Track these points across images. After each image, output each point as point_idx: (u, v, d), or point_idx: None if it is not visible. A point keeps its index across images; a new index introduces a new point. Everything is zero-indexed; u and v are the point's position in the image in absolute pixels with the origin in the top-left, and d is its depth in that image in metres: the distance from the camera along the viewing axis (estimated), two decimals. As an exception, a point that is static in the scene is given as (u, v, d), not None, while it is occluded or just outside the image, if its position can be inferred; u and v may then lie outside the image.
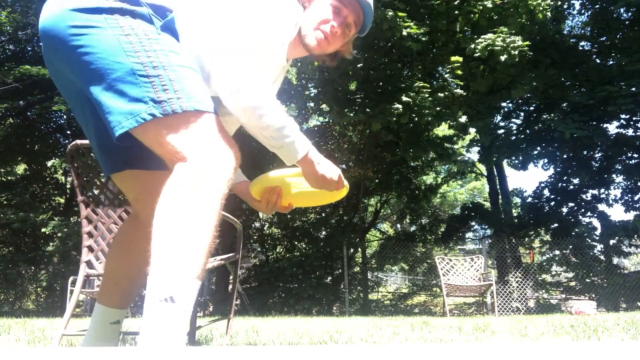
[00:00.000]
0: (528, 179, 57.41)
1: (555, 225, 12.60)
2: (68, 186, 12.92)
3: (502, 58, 8.06)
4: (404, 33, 7.91)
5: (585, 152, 12.01)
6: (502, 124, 13.35)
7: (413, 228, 16.31)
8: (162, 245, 0.96)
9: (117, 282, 1.43)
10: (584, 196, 12.70)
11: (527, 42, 8.27)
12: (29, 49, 11.87)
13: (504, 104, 12.85)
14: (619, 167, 12.19)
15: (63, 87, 1.27)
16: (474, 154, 15.46)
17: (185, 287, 0.93)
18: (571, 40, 12.12)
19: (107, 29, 1.08)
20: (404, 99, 8.45)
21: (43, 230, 9.99)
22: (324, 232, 13.38)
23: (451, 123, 10.63)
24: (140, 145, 1.15)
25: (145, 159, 1.32)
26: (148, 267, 0.97)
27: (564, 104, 11.22)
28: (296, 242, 13.20)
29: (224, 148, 1.06)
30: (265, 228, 13.69)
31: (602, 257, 11.30)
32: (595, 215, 12.35)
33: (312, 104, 12.07)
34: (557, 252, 11.59)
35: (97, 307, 1.43)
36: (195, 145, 1.03)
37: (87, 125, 1.31)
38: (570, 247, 10.97)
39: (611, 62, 11.29)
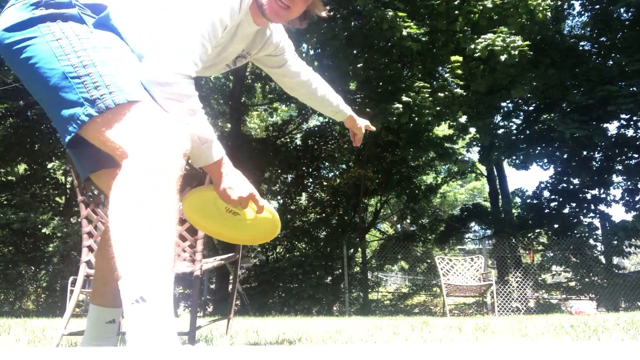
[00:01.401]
0: (528, 179, 57.44)
1: (556, 225, 12.60)
2: (68, 186, 12.91)
3: (502, 58, 8.06)
4: (404, 33, 7.91)
5: (585, 152, 12.00)
6: (502, 123, 13.35)
7: (413, 228, 16.30)
8: (121, 246, 0.94)
9: (107, 281, 1.42)
10: (584, 196, 12.69)
11: (527, 42, 8.27)
12: (29, 49, 11.86)
13: (504, 104, 12.85)
14: (619, 167, 12.18)
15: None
16: (474, 154, 15.46)
17: (154, 283, 0.90)
18: (571, 40, 12.11)
19: (40, 38, 1.09)
20: (404, 99, 8.45)
21: (43, 230, 9.99)
22: (324, 232, 13.39)
23: (451, 123, 10.63)
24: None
25: (100, 160, 1.29)
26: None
27: (564, 104, 11.22)
28: (296, 242, 13.21)
29: (163, 134, 1.01)
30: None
31: (602, 257, 11.29)
32: (596, 215, 12.34)
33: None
34: (558, 252, 11.58)
35: (91, 307, 1.43)
36: (133, 138, 1.01)
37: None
38: (571, 247, 10.97)
39: (611, 62, 11.29)
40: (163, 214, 0.95)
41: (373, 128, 1.89)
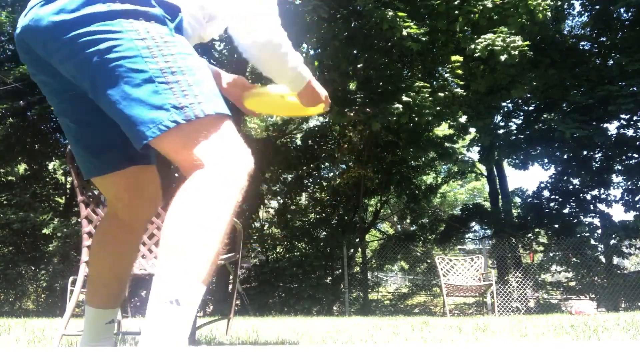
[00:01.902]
0: (528, 178, 57.45)
1: (556, 225, 12.59)
2: (68, 186, 12.91)
3: (502, 58, 8.06)
4: (404, 33, 7.91)
5: (585, 152, 12.01)
6: (502, 123, 13.35)
7: (413, 228, 16.30)
8: (171, 248, 0.95)
9: (107, 284, 1.42)
10: (584, 196, 12.69)
11: (527, 42, 8.27)
12: (29, 49, 11.86)
13: (504, 104, 12.85)
14: (619, 167, 12.18)
15: (52, 91, 1.23)
16: (474, 154, 15.46)
17: (191, 291, 0.92)
18: (571, 40, 12.12)
19: (123, 34, 1.03)
20: (404, 99, 8.45)
21: (43, 230, 9.99)
22: (324, 232, 13.39)
23: (451, 123, 10.63)
24: (117, 144, 1.21)
25: (132, 157, 1.30)
26: (135, 265, 0.99)
27: (564, 104, 11.22)
28: (296, 242, 13.20)
29: (242, 155, 1.04)
30: (265, 228, 13.69)
31: (602, 257, 11.30)
32: (596, 215, 12.34)
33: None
34: (558, 252, 11.58)
35: (89, 310, 1.42)
36: (215, 151, 1.01)
37: (80, 129, 1.27)
38: (571, 247, 10.97)
39: (611, 62, 11.29)
40: (218, 232, 0.97)
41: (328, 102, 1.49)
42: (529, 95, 11.97)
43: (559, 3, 10.38)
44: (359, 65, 9.70)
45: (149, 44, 1.03)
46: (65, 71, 1.10)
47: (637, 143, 11.54)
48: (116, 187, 1.35)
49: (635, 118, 11.53)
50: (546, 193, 13.28)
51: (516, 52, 8.03)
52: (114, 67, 1.02)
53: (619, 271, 10.99)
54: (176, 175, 2.04)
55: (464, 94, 9.51)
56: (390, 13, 7.87)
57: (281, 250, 13.21)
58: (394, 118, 8.57)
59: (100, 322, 1.42)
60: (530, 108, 13.01)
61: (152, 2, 1.08)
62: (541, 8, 8.36)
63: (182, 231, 0.95)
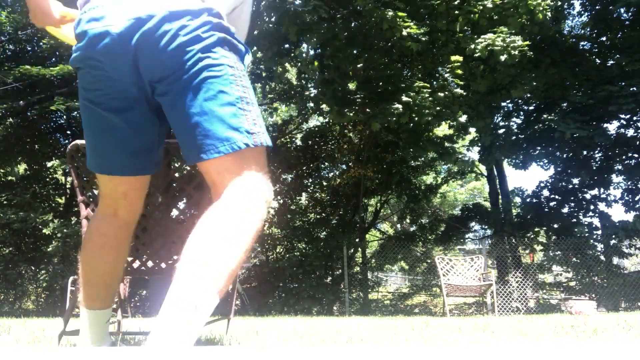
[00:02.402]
0: (528, 178, 57.45)
1: (556, 225, 12.59)
2: (68, 186, 12.91)
3: (502, 58, 8.06)
4: (404, 33, 7.91)
5: (585, 152, 12.00)
6: (502, 123, 13.35)
7: (413, 228, 16.30)
8: (197, 258, 1.01)
9: (109, 284, 1.44)
10: (584, 196, 12.69)
11: (527, 42, 8.27)
12: (29, 49, 11.86)
13: (504, 104, 12.85)
14: (619, 167, 12.18)
15: (106, 87, 1.24)
16: (474, 153, 15.46)
17: (209, 300, 0.97)
18: (571, 40, 12.11)
19: (219, 59, 1.17)
20: (404, 99, 8.45)
21: (43, 230, 9.98)
22: (324, 232, 13.39)
23: (451, 123, 10.63)
24: (153, 150, 1.35)
25: (157, 163, 1.42)
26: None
27: (564, 104, 11.22)
28: (296, 242, 13.20)
29: (270, 187, 1.17)
30: (265, 228, 13.70)
31: (602, 257, 11.30)
32: (596, 215, 12.34)
33: (312, 104, 12.08)
34: (558, 252, 11.58)
35: (91, 313, 1.42)
36: (256, 178, 1.14)
37: (131, 130, 1.30)
38: (571, 247, 10.97)
39: (611, 62, 11.29)
40: (240, 250, 1.05)
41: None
42: (529, 95, 11.97)
43: (559, 3, 10.37)
44: (359, 65, 9.69)
45: (235, 72, 1.19)
46: (150, 71, 1.18)
47: (637, 143, 11.54)
48: (128, 186, 1.40)
49: (635, 118, 11.53)
50: (546, 193, 13.29)
51: (516, 52, 8.03)
52: (205, 82, 1.14)
53: (619, 271, 10.98)
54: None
55: (464, 94, 9.51)
56: (390, 13, 7.87)
57: (281, 250, 13.21)
58: (394, 118, 8.56)
59: (102, 323, 1.43)
60: (531, 108, 13.01)
61: (237, 36, 1.25)
62: (541, 8, 8.36)
63: (210, 246, 1.03)
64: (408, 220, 16.76)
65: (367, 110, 8.86)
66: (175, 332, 0.92)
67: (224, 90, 1.15)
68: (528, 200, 13.63)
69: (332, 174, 14.91)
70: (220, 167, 1.14)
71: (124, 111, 1.26)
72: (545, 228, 12.91)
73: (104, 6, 1.17)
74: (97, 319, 1.42)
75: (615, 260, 11.43)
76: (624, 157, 11.89)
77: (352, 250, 12.27)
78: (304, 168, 14.00)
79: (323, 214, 13.91)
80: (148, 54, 1.14)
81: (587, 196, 12.67)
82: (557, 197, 12.96)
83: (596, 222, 12.27)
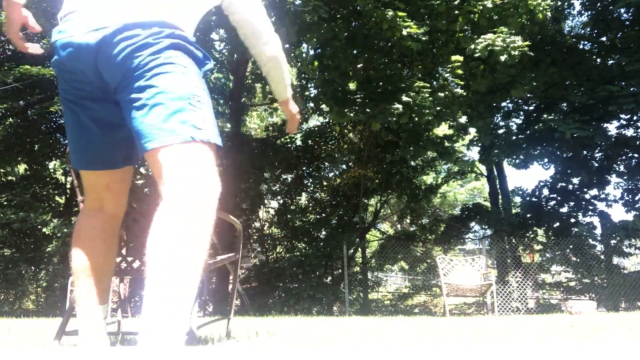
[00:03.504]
0: (528, 178, 57.44)
1: (556, 225, 12.59)
2: (68, 186, 12.91)
3: (502, 58, 8.05)
4: (404, 33, 7.91)
5: (585, 152, 12.00)
6: (502, 123, 13.34)
7: (413, 228, 16.30)
8: (158, 276, 1.06)
9: (101, 278, 1.47)
10: (584, 196, 12.69)
11: (527, 42, 8.27)
12: (29, 49, 11.85)
13: (504, 104, 12.85)
14: (619, 167, 12.18)
15: (75, 89, 1.36)
16: (474, 153, 15.46)
17: (173, 330, 1.00)
18: (571, 40, 12.11)
19: (172, 58, 1.25)
20: (404, 99, 8.45)
21: (43, 230, 9.97)
22: (324, 232, 13.38)
23: (451, 123, 10.63)
24: (123, 146, 1.41)
25: (137, 156, 1.47)
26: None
27: (564, 104, 11.21)
28: (296, 242, 13.20)
29: (217, 181, 1.17)
30: (265, 228, 13.70)
31: (602, 257, 11.29)
32: (596, 214, 12.34)
33: (312, 104, 12.08)
34: (558, 252, 11.58)
35: (88, 309, 1.44)
36: (203, 175, 1.15)
37: (97, 125, 1.40)
38: (570, 246, 10.96)
39: (611, 62, 11.28)
40: (201, 252, 1.09)
41: (297, 120, 1.89)
42: (529, 95, 11.97)
43: (559, 3, 10.37)
44: (359, 65, 9.69)
45: (187, 72, 1.25)
46: (109, 75, 1.29)
47: (637, 143, 11.54)
48: (109, 178, 1.48)
49: (635, 118, 11.52)
50: (546, 192, 13.28)
51: (516, 52, 8.02)
52: (155, 78, 1.21)
53: (619, 271, 10.98)
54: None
55: (464, 94, 9.51)
56: (390, 13, 7.87)
57: (281, 250, 13.21)
58: (394, 118, 8.56)
59: (99, 320, 1.43)
60: (531, 108, 13.00)
61: (193, 42, 1.33)
62: (541, 8, 8.35)
63: (166, 262, 1.06)
64: (408, 220, 16.76)
65: (367, 110, 8.86)
66: (166, 330, 0.96)
67: (173, 85, 1.20)
68: (528, 200, 13.62)
69: (332, 174, 14.91)
70: (165, 159, 1.16)
71: (92, 110, 1.37)
72: (545, 228, 12.90)
73: (71, 19, 1.30)
74: (93, 315, 1.43)
75: (615, 260, 11.43)
76: (624, 157, 11.88)
77: (352, 250, 12.27)
78: (304, 168, 14.00)
79: (323, 214, 13.91)
80: (105, 62, 1.26)
81: (587, 196, 12.66)
82: (557, 197, 12.95)
83: (596, 222, 12.28)
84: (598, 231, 11.90)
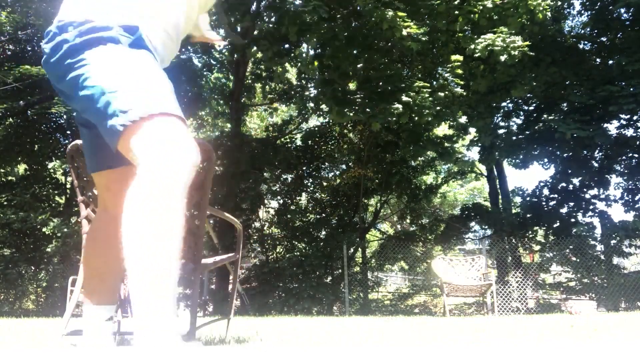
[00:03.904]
0: (528, 178, 57.44)
1: (556, 225, 12.58)
2: (68, 186, 12.90)
3: (502, 58, 8.05)
4: (404, 33, 7.91)
5: (585, 152, 11.99)
6: (502, 123, 13.34)
7: (413, 228, 16.29)
8: (135, 261, 1.02)
9: (103, 279, 1.48)
10: (584, 196, 12.68)
11: (527, 42, 8.26)
12: (29, 49, 11.85)
13: (504, 104, 12.84)
14: (619, 167, 12.17)
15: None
16: (474, 153, 15.46)
17: (161, 304, 0.99)
18: (571, 40, 12.11)
19: (84, 61, 1.22)
20: (404, 99, 8.45)
21: (43, 230, 9.96)
22: (324, 232, 13.38)
23: (451, 123, 10.62)
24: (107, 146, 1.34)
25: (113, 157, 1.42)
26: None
27: (564, 104, 11.21)
28: (296, 242, 13.20)
29: (184, 150, 1.10)
30: (265, 228, 13.69)
31: (602, 257, 11.29)
32: (596, 214, 12.34)
33: (312, 104, 12.08)
34: (557, 253, 11.57)
35: (89, 307, 1.46)
36: (154, 150, 1.08)
37: (90, 133, 1.44)
38: (571, 246, 10.96)
39: (611, 62, 11.28)
40: (171, 228, 1.04)
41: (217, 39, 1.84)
42: (529, 95, 11.97)
43: (559, 3, 10.37)
44: (359, 65, 9.68)
45: (101, 63, 1.21)
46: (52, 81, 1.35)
47: (637, 143, 11.53)
48: (107, 178, 1.49)
49: (635, 118, 11.52)
50: (546, 192, 13.28)
51: (516, 52, 8.02)
52: (81, 89, 1.21)
53: (619, 271, 10.98)
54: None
55: (464, 94, 9.51)
56: (390, 13, 7.87)
57: (281, 250, 13.20)
58: (394, 118, 8.56)
59: (100, 320, 1.44)
60: (531, 108, 13.00)
61: (109, 26, 1.26)
62: (541, 8, 8.35)
63: (138, 241, 1.03)
64: (408, 220, 16.75)
65: (367, 110, 8.86)
66: (159, 328, 0.96)
67: (92, 85, 1.18)
68: (528, 200, 13.62)
69: (332, 174, 14.90)
70: (125, 151, 1.14)
71: (75, 111, 1.44)
72: (545, 228, 12.90)
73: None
74: (95, 314, 1.44)
75: (615, 260, 11.42)
76: (624, 157, 11.88)
77: (352, 250, 12.27)
78: (304, 168, 14.00)
79: (323, 214, 13.91)
80: (50, 66, 1.30)
81: (587, 196, 12.66)
82: (557, 196, 12.95)
83: (596, 222, 12.27)
84: (598, 231, 11.90)
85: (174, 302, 1.01)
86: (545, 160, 12.54)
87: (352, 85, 10.44)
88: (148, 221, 1.03)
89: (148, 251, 1.01)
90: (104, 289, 1.47)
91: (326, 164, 14.46)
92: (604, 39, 11.84)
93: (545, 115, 10.92)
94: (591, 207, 12.44)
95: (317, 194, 14.30)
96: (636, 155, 11.71)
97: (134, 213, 1.05)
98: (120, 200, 1.49)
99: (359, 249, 13.42)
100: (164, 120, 1.12)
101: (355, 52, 9.66)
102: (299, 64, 11.21)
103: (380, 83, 9.45)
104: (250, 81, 13.96)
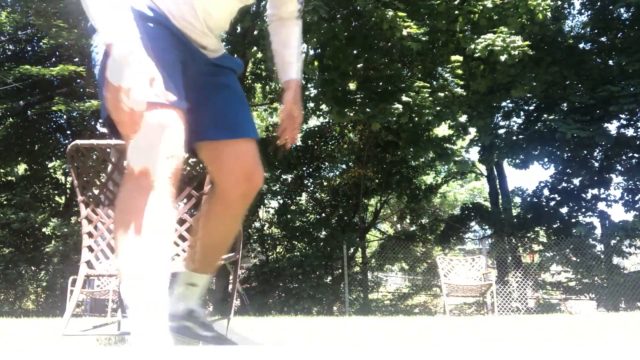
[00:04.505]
0: (528, 178, 57.43)
1: (555, 225, 12.58)
2: (68, 186, 12.91)
3: (502, 58, 8.05)
4: (404, 33, 7.90)
5: (585, 152, 11.99)
6: (502, 123, 13.34)
7: (413, 228, 16.29)
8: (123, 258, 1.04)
9: (202, 249, 1.49)
10: (584, 196, 12.68)
11: (527, 42, 8.26)
12: (29, 49, 11.86)
13: (504, 104, 12.84)
14: (619, 167, 12.17)
15: None
16: (473, 154, 15.47)
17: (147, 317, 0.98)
18: (571, 40, 12.10)
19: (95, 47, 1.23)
20: (404, 99, 8.44)
21: (43, 230, 9.97)
22: (324, 232, 13.38)
23: (451, 123, 10.62)
24: (192, 119, 1.24)
25: (197, 131, 1.35)
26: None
27: (565, 104, 11.21)
28: (296, 242, 13.20)
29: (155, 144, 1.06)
30: (265, 228, 13.69)
31: (602, 257, 11.29)
32: (596, 215, 12.34)
33: (312, 104, 12.07)
34: (556, 253, 11.58)
35: (185, 273, 1.49)
36: (128, 146, 1.08)
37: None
38: (571, 246, 10.96)
39: (611, 62, 11.28)
40: (158, 227, 1.03)
41: (297, 124, 1.55)
42: (529, 95, 11.96)
43: (559, 3, 10.37)
44: (359, 65, 9.68)
45: (100, 49, 1.19)
46: None
47: (637, 143, 11.53)
48: (203, 157, 1.44)
49: (635, 118, 11.52)
50: (546, 192, 13.28)
51: (516, 52, 8.02)
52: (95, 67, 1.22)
53: (619, 271, 10.98)
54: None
55: (464, 93, 9.51)
56: (390, 13, 7.86)
57: (281, 250, 13.20)
58: (394, 118, 8.56)
59: (183, 283, 1.47)
60: (531, 108, 13.00)
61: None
62: (541, 8, 8.35)
63: (120, 250, 1.04)
64: (408, 220, 16.75)
65: (367, 110, 8.85)
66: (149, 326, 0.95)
67: (100, 70, 1.18)
68: (528, 200, 13.62)
69: (332, 174, 14.90)
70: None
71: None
72: (545, 228, 12.90)
73: None
74: (190, 280, 1.47)
75: (615, 260, 11.42)
76: (624, 157, 11.88)
77: (352, 250, 12.26)
78: (304, 168, 14.00)
79: (323, 214, 13.91)
80: None
81: (587, 196, 12.66)
82: (557, 196, 12.95)
83: (596, 222, 12.27)
84: (598, 231, 11.90)
85: (166, 301, 1.01)
86: (546, 160, 12.53)
87: (352, 85, 10.43)
88: (134, 217, 1.02)
89: (135, 248, 1.01)
90: (200, 257, 1.49)
91: (326, 164, 14.46)
92: (604, 39, 11.83)
93: (545, 115, 10.91)
94: (591, 207, 12.44)
95: (317, 194, 14.30)
96: (636, 155, 11.71)
97: (120, 209, 1.07)
98: (218, 182, 1.44)
99: (359, 249, 13.42)
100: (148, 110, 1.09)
101: (355, 52, 9.66)
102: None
103: (380, 83, 9.45)
104: (250, 81, 13.96)
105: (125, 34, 1.01)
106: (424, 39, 8.25)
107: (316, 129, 14.39)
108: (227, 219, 1.46)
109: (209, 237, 1.46)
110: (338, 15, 9.48)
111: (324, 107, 11.52)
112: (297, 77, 1.48)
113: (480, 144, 12.68)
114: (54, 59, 11.28)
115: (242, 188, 1.40)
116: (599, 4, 11.45)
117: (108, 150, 2.06)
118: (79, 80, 10.61)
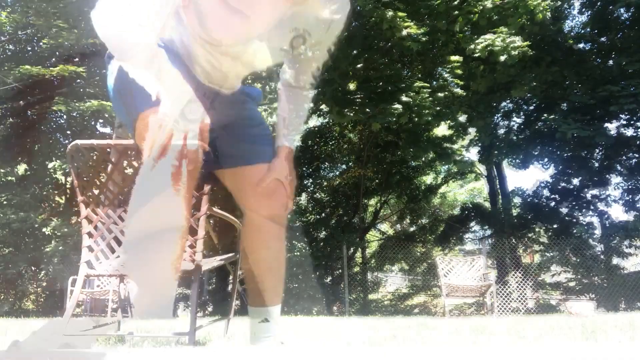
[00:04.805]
0: (527, 178, 57.43)
1: (555, 225, 12.59)
2: (68, 186, 12.90)
3: (502, 58, 8.05)
4: (404, 33, 7.91)
5: (585, 152, 11.99)
6: (502, 123, 13.34)
7: (413, 228, 16.29)
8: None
9: (250, 279, 1.48)
10: (584, 196, 12.69)
11: (527, 42, 8.26)
12: (29, 49, 11.85)
13: (504, 104, 12.84)
14: (619, 167, 12.17)
15: None
16: (473, 154, 15.46)
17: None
18: (571, 40, 12.10)
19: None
20: (404, 99, 8.45)
21: (43, 230, 9.96)
22: (323, 232, 13.39)
23: (451, 123, 10.62)
24: (220, 144, 1.35)
25: (222, 158, 1.42)
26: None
27: (565, 104, 11.21)
28: (296, 242, 13.20)
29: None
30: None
31: (602, 257, 11.29)
32: (596, 215, 12.34)
33: (312, 104, 12.08)
34: (556, 253, 11.58)
35: (249, 309, 1.49)
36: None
37: None
38: (570, 246, 10.96)
39: (611, 62, 11.28)
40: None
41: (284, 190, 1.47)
42: (529, 95, 11.97)
43: (559, 3, 10.36)
44: (359, 65, 9.69)
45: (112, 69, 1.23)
46: None
47: (638, 143, 11.53)
48: (225, 184, 1.51)
49: (635, 118, 11.52)
50: (546, 192, 13.28)
51: (516, 52, 8.02)
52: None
53: (618, 271, 10.98)
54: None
55: (464, 94, 9.51)
56: (390, 13, 7.87)
57: (281, 250, 13.20)
58: (394, 118, 8.56)
59: (254, 321, 1.45)
60: (531, 108, 13.00)
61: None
62: (541, 8, 8.35)
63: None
64: (408, 221, 16.75)
65: (367, 110, 8.86)
66: None
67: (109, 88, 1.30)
68: (528, 200, 13.62)
69: (331, 174, 14.90)
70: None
71: None
72: (545, 228, 12.90)
73: None
74: (250, 315, 1.47)
75: (615, 260, 11.43)
76: (623, 157, 11.88)
77: (351, 250, 12.27)
78: (304, 168, 14.00)
79: (323, 214, 13.91)
80: None
81: (587, 196, 12.66)
82: (557, 197, 12.95)
83: (596, 222, 12.28)
84: (598, 231, 11.90)
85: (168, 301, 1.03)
86: (545, 160, 12.54)
87: (352, 85, 10.43)
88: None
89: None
90: (253, 289, 1.48)
91: (326, 164, 14.46)
92: (603, 39, 11.83)
93: (545, 115, 10.91)
94: (591, 207, 12.44)
95: (316, 194, 14.30)
96: (636, 155, 11.71)
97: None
98: (245, 207, 1.46)
99: (359, 249, 13.43)
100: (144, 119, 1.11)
101: (355, 52, 9.66)
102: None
103: (380, 83, 9.45)
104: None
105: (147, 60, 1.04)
106: (423, 39, 8.25)
107: (316, 129, 14.39)
108: (267, 242, 1.46)
109: (261, 267, 1.45)
110: (338, 15, 9.47)
111: (324, 107, 11.51)
112: (289, 144, 1.51)
113: (480, 144, 12.68)
114: (54, 59, 11.27)
115: (265, 209, 1.42)
116: (598, 4, 11.44)
117: (108, 150, 2.06)
118: (79, 80, 10.60)
